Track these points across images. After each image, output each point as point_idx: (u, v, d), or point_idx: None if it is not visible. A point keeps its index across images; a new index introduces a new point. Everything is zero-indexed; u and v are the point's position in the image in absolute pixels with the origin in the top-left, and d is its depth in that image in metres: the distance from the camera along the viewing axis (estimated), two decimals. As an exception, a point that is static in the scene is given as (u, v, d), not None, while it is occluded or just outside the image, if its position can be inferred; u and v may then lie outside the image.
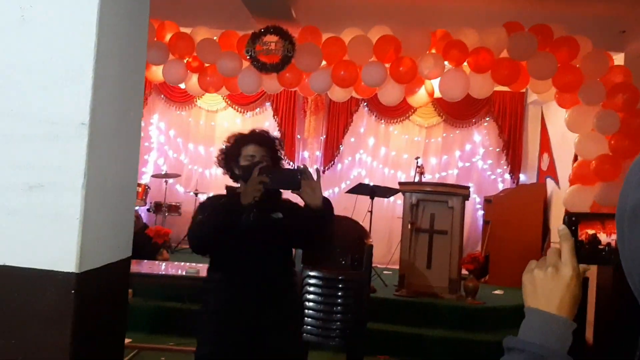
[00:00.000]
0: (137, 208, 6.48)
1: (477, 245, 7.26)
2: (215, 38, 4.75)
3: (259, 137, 2.40)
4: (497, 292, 5.92)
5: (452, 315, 5.07)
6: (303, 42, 4.56)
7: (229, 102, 7.59)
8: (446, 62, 4.44)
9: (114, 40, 1.54)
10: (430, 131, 7.53)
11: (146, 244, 5.59)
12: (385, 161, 7.49)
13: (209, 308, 2.33)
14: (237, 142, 2.40)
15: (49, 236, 1.42)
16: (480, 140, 7.50)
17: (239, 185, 2.42)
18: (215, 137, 7.81)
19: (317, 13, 4.66)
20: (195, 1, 4.66)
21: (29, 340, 1.41)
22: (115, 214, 1.62)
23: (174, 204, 7.26)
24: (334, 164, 7.51)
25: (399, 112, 7.17)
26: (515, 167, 7.23)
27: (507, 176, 7.34)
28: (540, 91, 4.55)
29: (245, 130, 2.46)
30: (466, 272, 6.27)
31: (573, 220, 0.89)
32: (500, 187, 7.34)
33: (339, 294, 3.93)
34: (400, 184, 5.68)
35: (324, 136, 7.53)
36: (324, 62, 4.61)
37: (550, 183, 6.71)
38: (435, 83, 4.65)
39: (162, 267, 4.68)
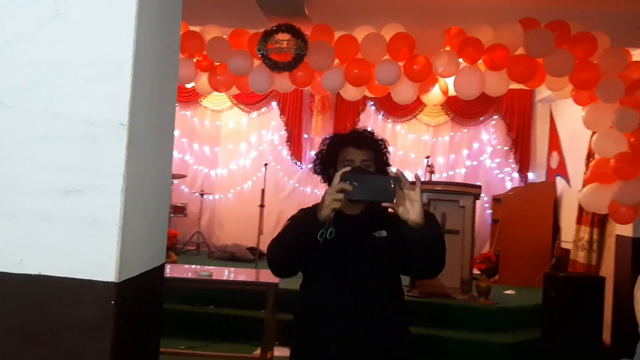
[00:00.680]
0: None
1: (485, 245, 7.21)
2: (225, 36, 4.66)
3: (359, 138, 2.04)
4: (508, 292, 5.87)
5: (467, 316, 5.01)
6: (315, 40, 4.48)
7: (234, 102, 7.52)
8: (461, 60, 4.37)
9: (151, 36, 1.46)
10: (438, 130, 7.47)
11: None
12: (392, 161, 7.40)
13: (299, 342, 2.03)
14: (334, 145, 2.06)
15: (87, 243, 1.33)
16: (487, 138, 7.45)
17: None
18: (221, 137, 7.73)
19: (329, 11, 4.58)
20: (205, -1, 4.58)
21: (67, 352, 1.34)
22: (152, 218, 1.54)
23: (179, 205, 7.18)
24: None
25: (406, 111, 7.10)
26: (523, 166, 7.18)
27: (516, 175, 7.29)
28: (557, 88, 4.48)
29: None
30: (477, 272, 6.22)
31: None
32: (509, 185, 7.29)
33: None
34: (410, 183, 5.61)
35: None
36: (336, 61, 4.54)
37: (560, 181, 6.66)
38: (449, 81, 4.57)
39: (168, 270, 4.60)
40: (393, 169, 1.87)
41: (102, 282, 1.33)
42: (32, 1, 1.38)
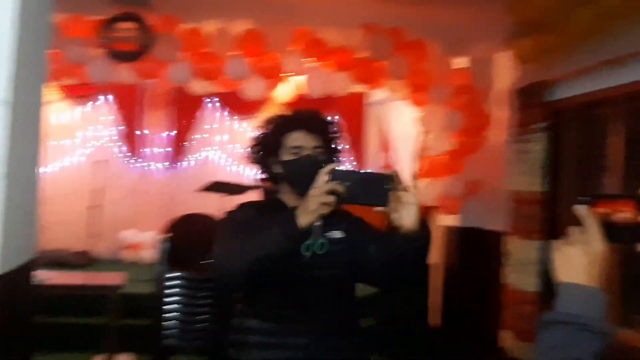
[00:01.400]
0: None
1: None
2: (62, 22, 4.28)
3: (310, 121, 1.73)
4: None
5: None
6: (161, 31, 4.31)
7: (62, 94, 6.90)
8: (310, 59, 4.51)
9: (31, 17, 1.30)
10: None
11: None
12: (236, 158, 7.38)
13: None
14: (278, 128, 1.73)
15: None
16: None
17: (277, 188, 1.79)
18: (48, 132, 7.06)
19: (175, 1, 4.43)
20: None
21: None
22: (26, 209, 1.37)
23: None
24: (181, 161, 7.23)
25: (249, 108, 7.10)
26: (360, 165, 7.59)
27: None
28: (395, 90, 4.83)
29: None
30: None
31: (590, 201, 0.95)
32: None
33: (201, 294, 3.79)
34: (258, 180, 5.64)
35: (171, 132, 7.20)
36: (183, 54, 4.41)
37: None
38: (299, 79, 4.69)
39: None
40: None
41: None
42: None
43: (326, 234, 1.65)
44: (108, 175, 6.92)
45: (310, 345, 1.59)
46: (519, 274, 4.18)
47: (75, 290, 4.14)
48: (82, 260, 6.27)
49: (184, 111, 7.12)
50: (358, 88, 5.26)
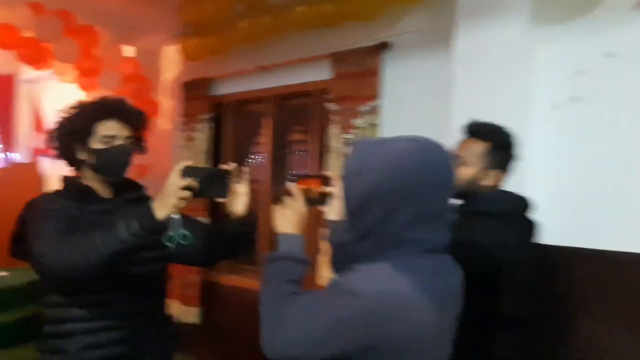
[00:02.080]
0: None
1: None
2: None
3: (123, 110, 1.76)
4: (1, 274, 5.75)
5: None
6: None
7: None
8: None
9: None
10: None
11: None
12: None
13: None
14: (88, 116, 1.72)
15: None
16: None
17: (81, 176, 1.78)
18: None
19: None
20: None
21: None
22: None
23: None
24: None
25: None
26: (8, 147, 7.01)
27: (1, 155, 7.05)
28: (63, 74, 4.75)
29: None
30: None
31: (295, 179, 1.45)
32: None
33: None
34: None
35: None
36: None
37: (45, 161, 6.85)
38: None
39: None
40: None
41: None
42: None
43: None
44: None
45: (131, 332, 1.75)
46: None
47: None
48: None
49: None
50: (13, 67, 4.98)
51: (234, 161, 4.66)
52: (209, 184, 1.56)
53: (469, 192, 1.97)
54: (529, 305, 2.00)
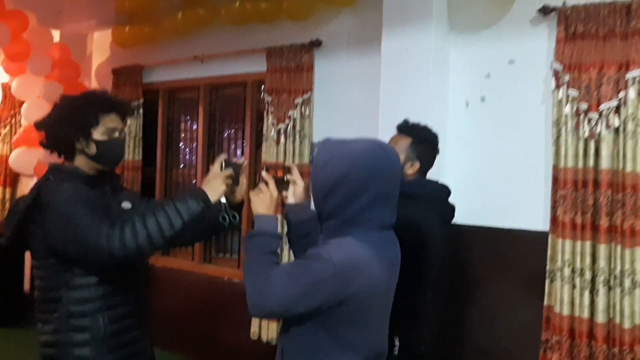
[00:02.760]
0: None
1: None
2: None
3: (120, 104, 1.95)
4: None
5: None
6: None
7: None
8: None
9: None
10: None
11: None
12: None
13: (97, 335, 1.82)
14: (95, 107, 1.85)
15: None
16: None
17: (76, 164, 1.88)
18: None
19: None
20: None
21: None
22: None
23: None
24: None
25: None
26: None
27: None
28: (-11, 57, 4.68)
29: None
30: None
31: (268, 169, 1.73)
32: None
33: None
34: None
35: None
36: None
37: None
38: None
39: None
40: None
41: None
42: None
43: (122, 204, 1.97)
44: None
45: (135, 306, 1.96)
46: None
47: None
48: None
49: None
50: None
51: (162, 147, 4.82)
52: (236, 174, 1.88)
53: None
54: (443, 272, 2.40)
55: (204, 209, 1.75)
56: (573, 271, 2.75)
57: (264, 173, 1.75)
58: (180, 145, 5.00)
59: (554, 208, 2.84)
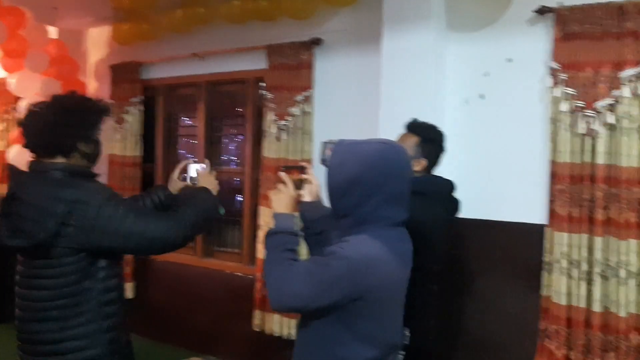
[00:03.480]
0: None
1: None
2: None
3: (109, 109, 2.13)
4: None
5: None
6: None
7: None
8: None
9: None
10: None
11: None
12: None
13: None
14: (101, 110, 2.04)
15: None
16: None
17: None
18: None
19: None
20: None
21: None
22: None
23: None
24: None
25: None
26: None
27: None
28: (-13, 54, 4.68)
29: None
30: None
31: (285, 170, 1.80)
32: None
33: None
34: None
35: None
36: None
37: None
38: None
39: None
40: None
41: None
42: None
43: None
44: None
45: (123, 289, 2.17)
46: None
47: None
48: None
49: None
50: None
51: (163, 143, 4.86)
52: None
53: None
54: (443, 264, 2.50)
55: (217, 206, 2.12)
56: (570, 263, 2.86)
57: (282, 173, 1.82)
58: (182, 142, 5.05)
59: (551, 202, 2.95)
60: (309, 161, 3.75)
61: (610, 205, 2.77)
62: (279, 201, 1.75)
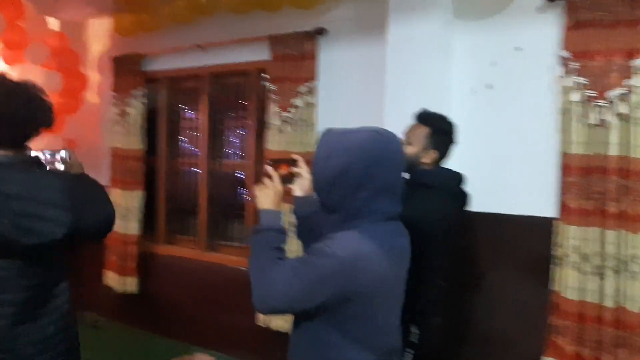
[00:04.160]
0: None
1: None
2: None
3: None
4: None
5: None
6: None
7: None
8: None
9: None
10: None
11: None
12: None
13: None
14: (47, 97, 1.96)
15: None
16: None
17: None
18: None
19: None
20: None
21: None
22: None
23: None
24: None
25: None
26: None
27: None
28: (-13, 46, 4.62)
29: None
30: None
31: (272, 163, 1.73)
32: None
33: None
34: None
35: None
36: None
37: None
38: None
39: None
40: None
41: None
42: None
43: None
44: None
45: None
46: (122, 221, 4.79)
47: None
48: None
49: None
50: None
51: (166, 136, 4.81)
52: None
53: (412, 168, 2.35)
54: (452, 259, 2.43)
55: None
56: (581, 257, 2.79)
57: (268, 167, 1.73)
58: (185, 134, 4.99)
59: (562, 195, 2.88)
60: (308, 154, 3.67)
61: (623, 197, 2.69)
62: (264, 197, 1.65)
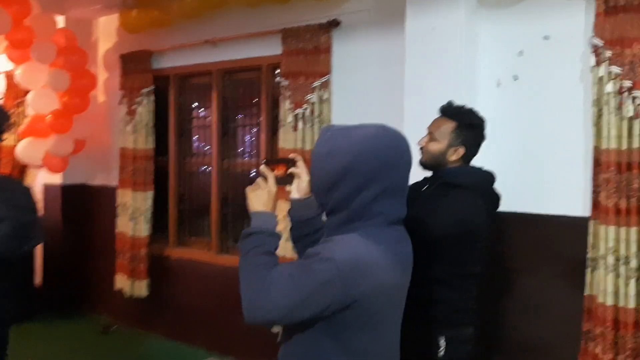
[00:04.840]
0: None
1: None
2: None
3: None
4: None
5: None
6: None
7: None
8: None
9: None
10: None
11: None
12: None
13: None
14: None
15: None
16: None
17: None
18: None
19: None
20: None
21: None
22: None
23: None
24: None
25: None
26: None
27: None
28: (-7, 45, 4.52)
29: None
30: None
31: (267, 163, 1.59)
32: None
33: None
34: None
35: None
36: None
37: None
38: None
39: None
40: None
41: None
42: None
43: None
44: None
45: None
46: (132, 222, 4.68)
47: None
48: None
49: None
50: None
51: (175, 134, 4.68)
52: None
53: (437, 165, 2.18)
54: (485, 264, 2.26)
55: None
56: (617, 259, 2.61)
57: (262, 167, 1.59)
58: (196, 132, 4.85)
59: (595, 192, 2.70)
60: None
61: (663, 195, 2.51)
62: (257, 198, 1.52)
